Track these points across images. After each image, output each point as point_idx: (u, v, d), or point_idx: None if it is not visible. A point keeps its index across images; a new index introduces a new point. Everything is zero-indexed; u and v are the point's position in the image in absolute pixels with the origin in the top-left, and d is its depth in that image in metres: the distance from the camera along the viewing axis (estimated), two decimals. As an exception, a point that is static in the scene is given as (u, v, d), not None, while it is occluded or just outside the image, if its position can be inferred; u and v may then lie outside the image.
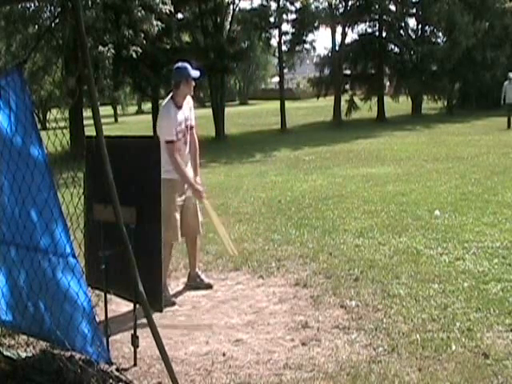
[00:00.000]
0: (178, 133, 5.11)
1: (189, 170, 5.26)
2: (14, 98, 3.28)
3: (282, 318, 4.59)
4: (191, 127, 5.29)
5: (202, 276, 5.52)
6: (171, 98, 5.20)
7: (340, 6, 31.29)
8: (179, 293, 5.36)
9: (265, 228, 7.60)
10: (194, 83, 5.23)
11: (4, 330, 4.02)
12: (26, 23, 18.22)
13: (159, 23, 19.69)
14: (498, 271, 5.33)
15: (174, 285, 5.54)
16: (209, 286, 5.42)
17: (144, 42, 19.48)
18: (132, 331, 3.82)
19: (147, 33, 19.40)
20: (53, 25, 15.78)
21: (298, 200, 9.50)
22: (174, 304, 5.01)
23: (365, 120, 30.22)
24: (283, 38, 29.64)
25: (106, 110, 40.36)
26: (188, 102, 5.26)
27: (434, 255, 5.95)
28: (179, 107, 5.17)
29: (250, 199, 9.84)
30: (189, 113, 5.25)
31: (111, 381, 3.43)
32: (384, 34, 32.73)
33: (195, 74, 5.23)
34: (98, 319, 3.45)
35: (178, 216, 5.16)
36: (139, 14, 18.81)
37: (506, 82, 21.07)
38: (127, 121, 42.07)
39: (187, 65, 5.24)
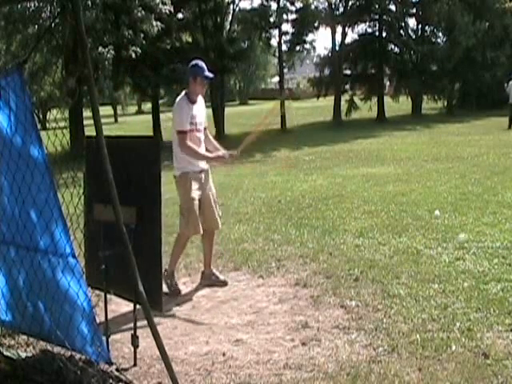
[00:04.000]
0: (191, 124, 5.15)
1: (203, 163, 5.33)
2: (13, 98, 3.28)
3: (282, 317, 4.59)
4: (204, 128, 5.35)
5: (217, 273, 5.53)
6: (185, 93, 5.27)
7: (340, 5, 31.35)
8: (179, 293, 5.36)
9: (265, 228, 7.60)
10: (205, 83, 5.27)
11: (4, 330, 4.02)
12: (25, 23, 18.23)
13: (159, 23, 19.69)
14: (498, 271, 5.33)
15: (174, 285, 5.54)
16: (224, 283, 5.44)
17: (144, 42, 19.48)
18: (132, 331, 3.82)
19: (147, 33, 19.41)
20: (53, 25, 15.77)
21: (298, 200, 9.50)
22: (179, 293, 5.08)
23: (365, 120, 30.23)
24: (283, 37, 29.69)
25: (105, 110, 40.34)
26: (201, 102, 5.34)
27: (434, 255, 5.95)
28: (193, 102, 5.22)
29: (250, 199, 9.84)
30: (203, 112, 5.33)
31: (111, 381, 3.43)
32: (384, 34, 32.75)
33: (204, 73, 5.24)
34: (97, 319, 3.45)
35: (196, 209, 5.20)
36: (139, 14, 18.82)
37: (511, 83, 21.05)
38: (127, 121, 42.08)
39: (200, 63, 5.26)
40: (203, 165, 5.31)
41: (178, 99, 5.32)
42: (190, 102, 5.20)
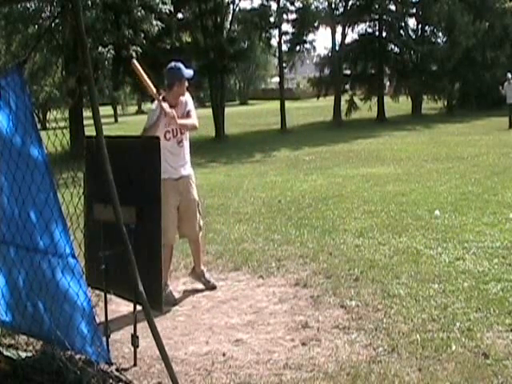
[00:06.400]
0: (166, 133, 5.04)
1: (184, 170, 5.20)
2: (14, 98, 3.28)
3: (282, 317, 4.59)
4: (188, 112, 5.14)
5: (207, 275, 5.50)
6: (162, 98, 5.10)
7: (340, 5, 31.34)
8: (179, 293, 5.36)
9: (265, 228, 7.59)
10: (187, 83, 5.15)
11: (4, 330, 4.02)
12: (25, 23, 18.22)
13: (159, 23, 19.69)
14: (498, 271, 5.33)
15: (174, 285, 5.53)
16: (213, 287, 5.41)
17: (144, 41, 19.48)
18: (132, 331, 3.82)
19: (147, 33, 19.41)
20: (53, 25, 15.77)
21: (298, 200, 9.50)
22: (175, 303, 5.02)
23: (365, 120, 30.23)
24: (283, 37, 29.69)
25: (105, 110, 40.35)
26: (183, 99, 5.17)
27: (434, 255, 5.95)
28: (170, 107, 5.06)
29: (250, 199, 9.84)
30: (183, 110, 5.15)
31: (111, 381, 3.43)
32: (384, 34, 32.75)
33: (188, 73, 5.16)
34: (97, 319, 3.45)
35: (172, 217, 5.10)
36: (139, 13, 18.82)
37: (506, 83, 21.10)
38: (127, 121, 42.06)
39: (180, 65, 5.16)
40: (183, 171, 5.19)
41: (154, 105, 5.15)
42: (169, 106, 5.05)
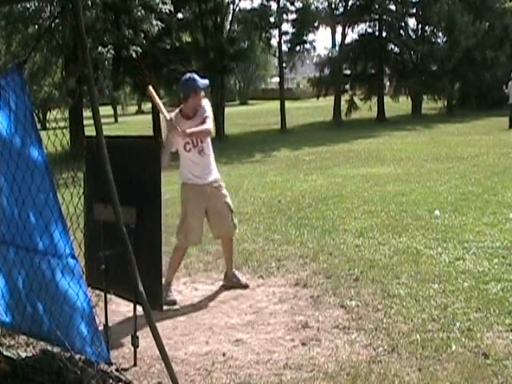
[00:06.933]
0: (185, 144, 5.05)
1: (210, 176, 5.20)
2: (13, 98, 3.28)
3: (282, 317, 4.59)
4: (204, 119, 5.07)
5: (239, 276, 5.49)
6: (179, 110, 5.10)
7: (340, 5, 31.36)
8: (179, 293, 5.36)
9: (265, 228, 7.59)
10: (203, 93, 5.13)
11: (4, 330, 4.02)
12: (26, 23, 18.23)
13: (159, 23, 19.70)
14: (498, 271, 5.33)
15: (175, 285, 5.53)
16: (246, 286, 5.38)
17: (144, 41, 19.48)
18: (132, 331, 3.82)
19: (147, 33, 19.41)
20: (53, 25, 15.77)
21: (298, 200, 9.50)
22: (175, 303, 5.03)
23: (365, 120, 30.23)
24: (283, 37, 29.71)
25: (106, 110, 40.34)
26: (203, 107, 5.13)
27: (434, 255, 5.95)
28: (187, 118, 5.06)
29: (250, 199, 9.84)
30: (202, 118, 5.09)
31: (111, 381, 3.43)
32: (384, 34, 32.75)
33: (204, 84, 5.11)
34: (97, 319, 3.45)
35: (194, 220, 5.12)
36: (139, 13, 18.83)
37: (510, 83, 21.03)
38: (127, 121, 42.08)
39: (195, 76, 5.11)
40: (209, 178, 5.17)
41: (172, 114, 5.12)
42: (184, 118, 5.04)
